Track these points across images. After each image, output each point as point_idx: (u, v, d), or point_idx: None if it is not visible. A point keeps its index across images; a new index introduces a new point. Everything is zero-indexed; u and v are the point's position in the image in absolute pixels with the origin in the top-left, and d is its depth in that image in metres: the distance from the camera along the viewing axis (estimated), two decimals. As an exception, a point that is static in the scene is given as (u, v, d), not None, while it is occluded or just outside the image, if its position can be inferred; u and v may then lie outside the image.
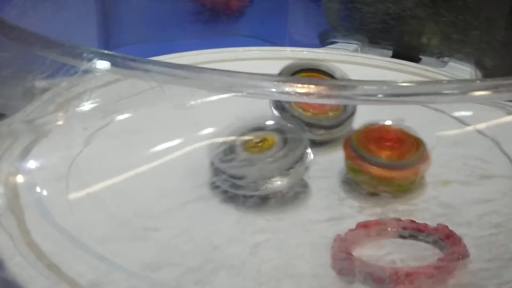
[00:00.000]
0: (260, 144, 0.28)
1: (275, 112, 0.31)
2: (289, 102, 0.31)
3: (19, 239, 0.24)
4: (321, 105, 0.32)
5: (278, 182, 0.27)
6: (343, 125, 0.32)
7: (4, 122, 0.30)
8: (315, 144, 0.30)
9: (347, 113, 0.32)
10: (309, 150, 0.27)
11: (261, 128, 0.29)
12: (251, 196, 0.26)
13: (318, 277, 0.23)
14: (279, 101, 0.31)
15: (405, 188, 0.28)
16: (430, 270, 0.22)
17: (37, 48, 0.23)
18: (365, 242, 0.25)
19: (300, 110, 0.32)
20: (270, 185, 0.26)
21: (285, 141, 0.28)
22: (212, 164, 0.27)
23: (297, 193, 0.27)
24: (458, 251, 0.24)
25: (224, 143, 0.28)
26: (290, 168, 0.27)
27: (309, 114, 0.32)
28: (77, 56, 0.22)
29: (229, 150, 0.27)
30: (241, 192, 0.26)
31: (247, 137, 0.28)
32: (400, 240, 0.25)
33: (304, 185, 0.28)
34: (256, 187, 0.26)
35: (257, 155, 0.27)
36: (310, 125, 0.31)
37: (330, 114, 0.32)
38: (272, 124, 0.29)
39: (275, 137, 0.28)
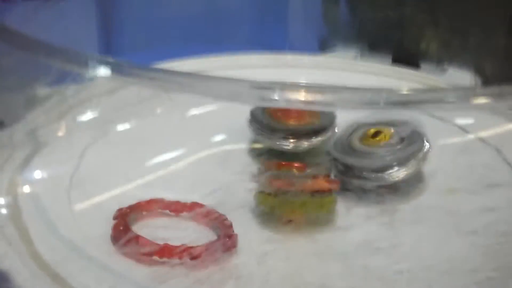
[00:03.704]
0: (377, 138, 0.28)
1: (252, 128, 0.31)
2: (266, 116, 0.31)
3: (23, 250, 0.23)
4: (300, 113, 0.31)
5: (397, 173, 0.27)
6: (329, 129, 0.31)
7: (4, 132, 0.30)
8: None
9: (329, 117, 0.31)
10: (426, 143, 0.28)
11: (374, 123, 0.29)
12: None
13: (326, 287, 0.23)
14: (255, 116, 0.31)
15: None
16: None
17: (41, 55, 0.23)
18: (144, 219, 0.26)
19: (281, 121, 0.31)
20: (387, 176, 0.27)
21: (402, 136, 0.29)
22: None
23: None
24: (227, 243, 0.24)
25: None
26: (408, 159, 0.28)
27: (293, 123, 0.31)
28: (82, 64, 0.21)
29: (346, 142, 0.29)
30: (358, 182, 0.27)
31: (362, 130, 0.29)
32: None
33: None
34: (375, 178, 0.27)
35: (374, 147, 0.28)
36: (295, 133, 0.30)
37: (313, 120, 0.31)
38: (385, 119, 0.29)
39: (391, 131, 0.29)
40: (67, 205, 0.26)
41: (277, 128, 0.30)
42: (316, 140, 0.30)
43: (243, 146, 0.31)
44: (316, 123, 0.31)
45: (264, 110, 0.31)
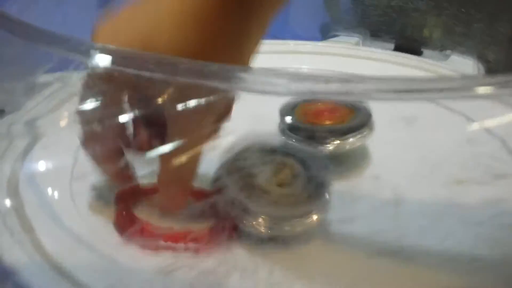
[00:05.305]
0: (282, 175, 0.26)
1: (286, 135, 0.30)
2: (299, 121, 0.30)
3: (27, 242, 0.23)
4: (332, 115, 0.30)
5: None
6: (368, 125, 0.30)
7: (4, 121, 0.29)
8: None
9: (363, 114, 0.30)
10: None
11: (274, 150, 0.27)
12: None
13: (331, 279, 0.23)
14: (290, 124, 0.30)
15: None
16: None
17: (43, 44, 0.22)
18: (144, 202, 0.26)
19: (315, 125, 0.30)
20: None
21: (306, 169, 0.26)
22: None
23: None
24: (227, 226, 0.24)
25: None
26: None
27: (328, 123, 0.30)
28: (83, 52, 0.21)
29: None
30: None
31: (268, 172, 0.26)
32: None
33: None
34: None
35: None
36: (334, 133, 0.29)
37: (346, 119, 0.30)
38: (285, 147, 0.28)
39: (294, 164, 0.26)
40: (70, 196, 0.26)
41: (315, 130, 0.29)
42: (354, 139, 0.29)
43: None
44: (352, 121, 0.30)
45: (295, 114, 0.30)
